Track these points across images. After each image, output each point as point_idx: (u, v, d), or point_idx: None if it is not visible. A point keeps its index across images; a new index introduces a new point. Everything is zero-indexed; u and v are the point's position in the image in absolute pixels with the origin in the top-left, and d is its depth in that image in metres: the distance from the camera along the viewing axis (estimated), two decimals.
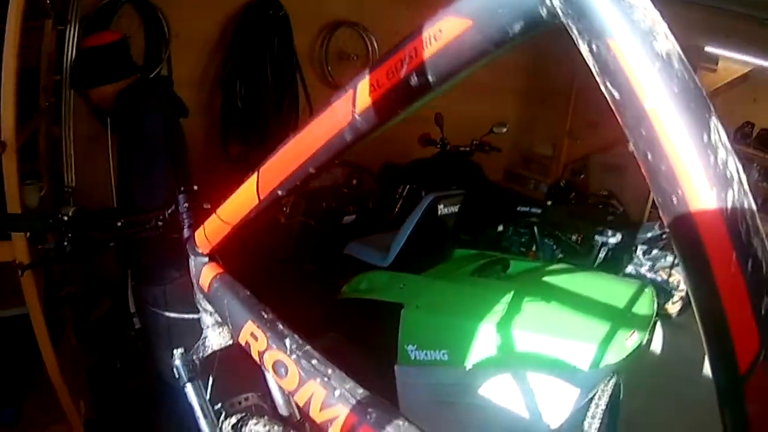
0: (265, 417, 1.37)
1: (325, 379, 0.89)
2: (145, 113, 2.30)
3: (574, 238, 4.15)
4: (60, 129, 3.41)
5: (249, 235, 1.11)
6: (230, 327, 1.18)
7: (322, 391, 0.87)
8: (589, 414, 2.50)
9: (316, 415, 0.87)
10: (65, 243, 1.43)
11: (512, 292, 2.62)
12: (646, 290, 2.89)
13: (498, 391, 2.52)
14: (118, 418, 2.70)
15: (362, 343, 3.03)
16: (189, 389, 1.32)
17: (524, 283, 2.86)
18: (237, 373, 1.39)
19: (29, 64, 2.54)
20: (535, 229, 4.18)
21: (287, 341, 0.98)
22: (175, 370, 1.32)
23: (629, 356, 2.41)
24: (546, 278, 2.93)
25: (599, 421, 2.48)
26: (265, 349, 1.02)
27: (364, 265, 3.22)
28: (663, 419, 3.78)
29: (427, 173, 4.17)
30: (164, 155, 2.28)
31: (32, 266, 1.90)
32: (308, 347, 0.97)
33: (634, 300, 2.75)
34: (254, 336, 1.05)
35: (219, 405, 1.38)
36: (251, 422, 1.34)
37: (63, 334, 2.58)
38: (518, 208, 4.18)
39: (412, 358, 2.68)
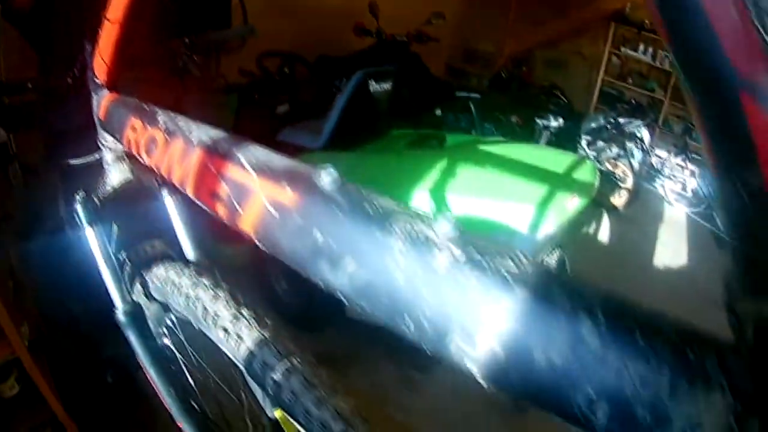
0: (171, 261, 1.27)
1: (188, 133, 0.80)
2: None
3: (514, 120, 4.08)
4: None
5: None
6: (119, 138, 1.09)
7: (182, 146, 0.79)
8: None
9: (176, 172, 0.79)
10: None
11: (446, 161, 2.56)
12: (587, 162, 2.85)
13: None
14: (65, 338, 2.62)
15: None
16: (89, 234, 1.21)
17: (460, 153, 2.79)
18: (142, 221, 1.33)
19: None
20: (473, 110, 4.07)
21: (160, 117, 0.90)
22: (75, 215, 1.21)
23: (571, 221, 2.40)
24: (483, 148, 2.85)
25: None
26: (141, 134, 0.94)
27: (300, 151, 3.11)
28: None
29: (364, 64, 4.02)
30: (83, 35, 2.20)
31: None
32: (180, 117, 0.88)
33: (573, 168, 2.71)
34: (134, 128, 0.97)
35: (123, 253, 1.28)
36: (155, 268, 1.24)
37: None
38: (457, 93, 4.07)
39: None
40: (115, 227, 1.27)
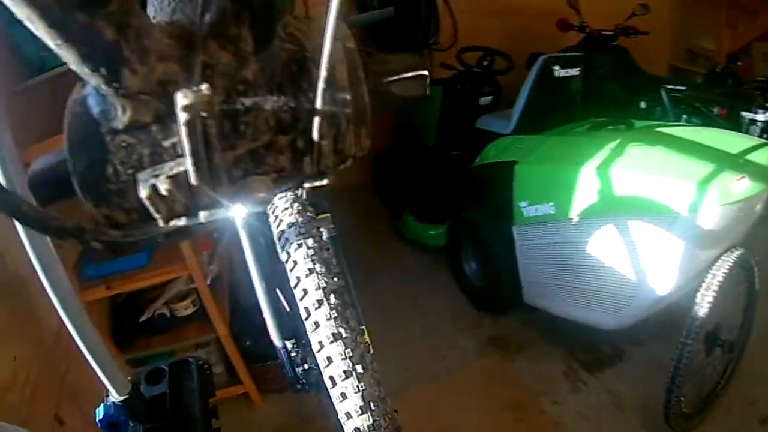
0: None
1: None
2: None
3: (716, 111, 3.89)
4: None
5: None
6: None
7: None
8: (704, 285, 2.35)
9: None
10: None
11: (619, 140, 2.60)
12: None
13: (604, 249, 2.59)
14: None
15: (488, 204, 3.26)
16: None
17: (636, 133, 2.78)
18: None
19: None
20: (666, 101, 3.95)
21: None
22: None
23: (738, 203, 2.25)
24: (663, 129, 2.80)
25: (713, 294, 2.32)
26: None
27: (495, 137, 3.40)
28: None
29: None
30: None
31: None
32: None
33: (752, 150, 2.50)
34: None
35: None
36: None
37: None
38: (663, 86, 4.01)
39: (525, 215, 2.85)
40: None
